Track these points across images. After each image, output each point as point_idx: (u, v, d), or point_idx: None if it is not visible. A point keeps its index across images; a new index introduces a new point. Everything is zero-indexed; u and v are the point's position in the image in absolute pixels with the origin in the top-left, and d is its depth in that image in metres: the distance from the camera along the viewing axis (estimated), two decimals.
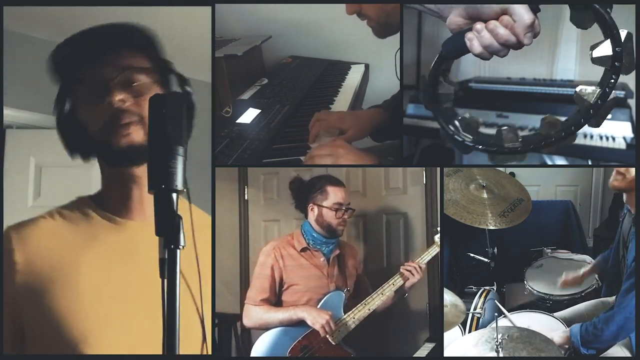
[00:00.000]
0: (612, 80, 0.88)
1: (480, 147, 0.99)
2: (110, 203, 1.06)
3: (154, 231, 1.01)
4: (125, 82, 1.01)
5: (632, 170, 1.65)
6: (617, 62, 0.87)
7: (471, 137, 0.99)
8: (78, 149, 1.07)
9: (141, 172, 1.02)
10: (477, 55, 0.90)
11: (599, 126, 0.93)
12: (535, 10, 0.87)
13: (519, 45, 0.88)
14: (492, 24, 0.88)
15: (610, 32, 0.87)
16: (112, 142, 0.99)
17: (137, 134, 0.99)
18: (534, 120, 2.44)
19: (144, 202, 1.05)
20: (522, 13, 0.86)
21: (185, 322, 0.74)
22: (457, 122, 1.01)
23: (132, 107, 0.99)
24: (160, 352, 0.90)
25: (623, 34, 0.87)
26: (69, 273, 0.98)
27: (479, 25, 0.88)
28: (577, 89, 0.92)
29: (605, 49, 0.88)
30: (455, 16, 0.92)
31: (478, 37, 0.89)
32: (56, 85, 1.08)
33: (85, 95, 1.02)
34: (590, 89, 0.91)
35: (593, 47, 0.90)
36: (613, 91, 0.90)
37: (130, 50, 1.04)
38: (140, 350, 0.96)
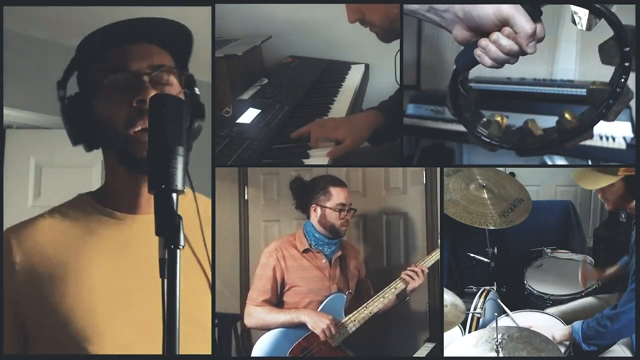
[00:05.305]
0: (622, 80, 0.89)
1: (505, 145, 1.02)
2: (113, 198, 1.05)
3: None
4: (159, 80, 1.00)
5: (611, 192, 1.67)
6: (626, 62, 0.88)
7: (498, 137, 1.02)
8: (84, 138, 1.03)
9: None
10: (489, 67, 0.93)
11: (614, 120, 0.95)
12: (537, 16, 0.87)
13: (523, 53, 0.89)
14: (495, 35, 0.89)
15: (617, 32, 0.87)
16: (136, 151, 0.96)
17: None
18: None
19: (152, 197, 1.03)
20: (523, 23, 0.86)
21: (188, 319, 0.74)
22: (481, 126, 1.03)
23: None
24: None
25: (629, 30, 0.87)
26: (69, 270, 0.98)
27: (483, 42, 0.90)
28: (590, 86, 0.93)
29: (613, 48, 0.89)
30: (459, 30, 0.93)
31: (485, 52, 0.90)
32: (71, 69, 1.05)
33: (115, 86, 0.98)
34: (601, 86, 0.92)
35: (601, 47, 0.90)
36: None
37: (161, 47, 1.03)
38: (145, 346, 0.95)
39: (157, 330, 0.92)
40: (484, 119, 1.04)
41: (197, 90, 1.08)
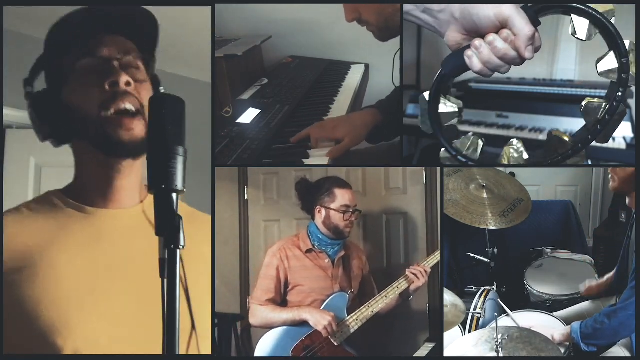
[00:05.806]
0: (620, 93, 0.87)
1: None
2: (82, 193, 1.04)
3: (128, 219, 1.00)
4: (129, 65, 1.01)
5: (623, 170, 1.66)
6: (623, 74, 0.86)
7: (475, 159, 0.98)
8: (53, 133, 1.05)
9: (128, 163, 1.01)
10: (477, 73, 0.88)
11: (607, 141, 0.92)
12: (535, 23, 0.85)
13: (520, 60, 0.86)
14: (491, 36, 0.85)
15: (614, 43, 0.85)
16: (113, 133, 0.97)
17: (139, 129, 0.97)
18: (534, 120, 2.44)
19: (124, 191, 1.03)
20: (522, 25, 0.84)
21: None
22: (458, 143, 0.99)
23: (135, 93, 0.99)
24: (138, 337, 0.91)
25: (627, 43, 0.86)
26: (37, 264, 0.96)
27: (477, 42, 0.86)
28: (585, 102, 0.90)
29: (611, 61, 0.87)
30: (453, 32, 0.90)
31: (477, 54, 0.86)
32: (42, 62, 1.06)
33: (85, 73, 0.99)
34: (597, 102, 0.90)
35: (598, 61, 0.88)
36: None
37: (126, 37, 1.03)
38: (117, 340, 0.94)
39: (130, 324, 0.92)
40: (461, 138, 0.99)
41: (162, 89, 1.08)
